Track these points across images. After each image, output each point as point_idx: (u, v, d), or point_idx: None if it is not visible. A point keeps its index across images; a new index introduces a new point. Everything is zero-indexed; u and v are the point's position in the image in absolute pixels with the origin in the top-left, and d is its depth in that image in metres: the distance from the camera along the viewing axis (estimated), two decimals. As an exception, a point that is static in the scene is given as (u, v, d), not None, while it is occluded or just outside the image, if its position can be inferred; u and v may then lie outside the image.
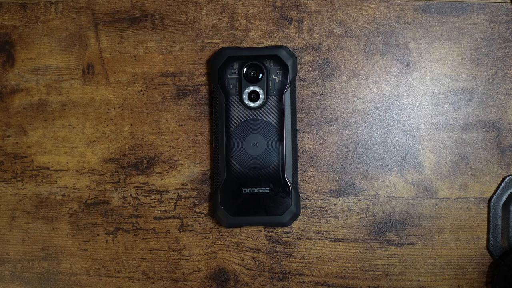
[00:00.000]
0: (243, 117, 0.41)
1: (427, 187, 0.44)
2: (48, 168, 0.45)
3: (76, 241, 0.45)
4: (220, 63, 0.40)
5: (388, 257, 0.45)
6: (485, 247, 0.44)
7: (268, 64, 0.41)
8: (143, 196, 0.45)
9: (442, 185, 0.44)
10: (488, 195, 0.44)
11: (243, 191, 0.41)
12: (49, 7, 0.45)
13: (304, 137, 0.44)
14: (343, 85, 0.44)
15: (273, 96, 0.41)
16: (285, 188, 0.41)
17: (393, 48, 0.44)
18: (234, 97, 0.41)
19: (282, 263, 0.45)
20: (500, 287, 0.43)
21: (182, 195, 0.45)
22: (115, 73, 0.45)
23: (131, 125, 0.45)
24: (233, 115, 0.41)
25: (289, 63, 0.41)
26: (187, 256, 0.45)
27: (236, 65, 0.41)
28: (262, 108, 0.41)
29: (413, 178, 0.44)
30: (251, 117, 0.41)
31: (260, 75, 0.41)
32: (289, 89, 0.41)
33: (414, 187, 0.44)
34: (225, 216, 0.41)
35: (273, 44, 0.44)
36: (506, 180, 0.44)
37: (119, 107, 0.45)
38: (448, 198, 0.44)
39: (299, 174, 0.44)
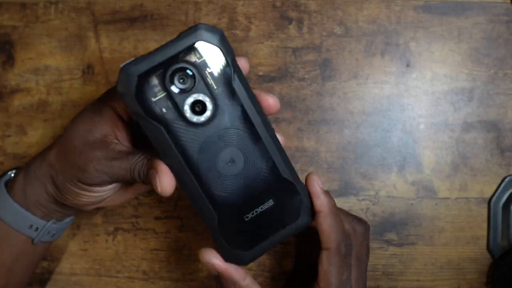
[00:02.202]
0: (199, 140, 0.30)
1: (427, 187, 0.44)
2: (48, 168, 0.45)
3: (76, 241, 0.45)
4: (132, 89, 0.28)
5: (388, 257, 0.45)
6: (485, 247, 0.44)
7: (193, 58, 0.29)
8: (143, 196, 0.45)
9: (442, 185, 0.44)
10: (488, 195, 0.44)
11: (246, 219, 0.32)
12: (49, 7, 0.45)
13: (304, 137, 0.44)
14: (343, 85, 0.44)
15: (222, 94, 0.30)
16: (289, 188, 0.33)
17: (393, 48, 0.44)
18: (175, 121, 0.29)
19: (282, 263, 0.45)
20: (500, 287, 0.43)
21: (182, 195, 0.45)
22: (115, 73, 0.45)
23: (131, 125, 0.45)
24: (185, 145, 0.30)
25: (217, 42, 0.29)
26: (187, 256, 0.45)
27: (154, 82, 0.29)
28: (217, 116, 0.30)
29: (413, 178, 0.44)
30: (210, 133, 0.30)
31: (192, 78, 0.29)
32: (235, 75, 0.30)
33: (414, 187, 0.44)
34: (241, 255, 0.33)
35: (273, 44, 0.44)
36: (506, 180, 0.44)
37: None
38: (448, 198, 0.44)
39: (299, 174, 0.44)
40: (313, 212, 0.33)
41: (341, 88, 0.44)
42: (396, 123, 0.44)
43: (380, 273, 0.45)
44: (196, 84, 0.29)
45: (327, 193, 0.33)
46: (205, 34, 0.29)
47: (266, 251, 0.33)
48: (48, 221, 0.37)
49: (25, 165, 0.37)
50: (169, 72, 0.28)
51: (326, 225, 0.32)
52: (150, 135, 0.30)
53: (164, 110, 0.29)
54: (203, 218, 0.32)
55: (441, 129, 0.44)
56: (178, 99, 0.29)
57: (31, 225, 0.36)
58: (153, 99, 0.29)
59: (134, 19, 0.45)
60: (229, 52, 0.29)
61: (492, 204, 0.44)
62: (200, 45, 0.29)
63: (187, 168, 0.30)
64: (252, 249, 0.33)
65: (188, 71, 0.29)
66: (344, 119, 0.44)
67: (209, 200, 0.31)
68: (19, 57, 0.45)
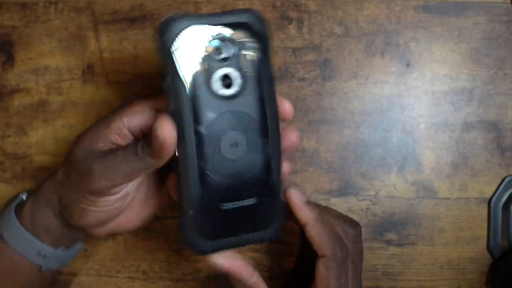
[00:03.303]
0: (215, 111, 0.29)
1: (427, 187, 0.44)
2: (48, 168, 0.45)
3: (76, 241, 0.45)
4: (172, 43, 0.28)
5: (388, 257, 0.45)
6: (485, 247, 0.44)
7: (238, 35, 0.29)
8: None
9: (442, 185, 0.44)
10: (488, 195, 0.44)
11: (222, 207, 0.30)
12: (49, 7, 0.45)
13: (304, 137, 0.44)
14: (343, 85, 0.44)
15: (252, 78, 0.30)
16: (272, 196, 0.32)
17: (393, 48, 0.44)
18: (201, 86, 0.29)
19: (282, 263, 0.45)
20: (500, 287, 0.43)
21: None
22: (115, 73, 0.45)
23: (131, 125, 0.45)
24: (203, 109, 0.29)
25: (264, 32, 0.30)
26: (187, 256, 0.45)
27: (196, 42, 0.29)
28: (240, 96, 0.30)
29: (413, 178, 0.44)
30: (228, 109, 0.29)
31: (230, 52, 0.29)
32: (268, 66, 0.30)
33: (414, 187, 0.44)
34: (202, 242, 0.31)
35: (273, 44, 0.44)
36: (506, 180, 0.44)
37: (119, 107, 0.45)
38: (448, 198, 0.44)
39: (299, 174, 0.44)
40: (281, 228, 0.33)
41: (341, 88, 0.44)
42: (396, 123, 0.44)
43: (380, 273, 0.45)
44: (232, 59, 0.29)
45: (309, 203, 0.33)
46: (256, 19, 0.29)
47: (227, 249, 0.32)
48: (56, 248, 0.36)
49: (35, 188, 0.37)
50: (212, 37, 0.29)
51: (316, 234, 0.32)
52: (172, 91, 0.29)
53: (194, 72, 0.29)
54: (181, 188, 0.30)
55: (441, 129, 0.44)
56: (211, 67, 0.29)
57: (39, 252, 0.35)
58: (188, 59, 0.29)
59: (134, 19, 0.45)
60: (270, 45, 0.30)
61: (492, 204, 0.44)
62: (248, 26, 0.29)
63: (193, 133, 0.29)
64: (215, 240, 0.31)
65: (229, 43, 0.29)
66: (344, 119, 0.44)
67: (198, 172, 0.29)
68: (19, 57, 0.45)
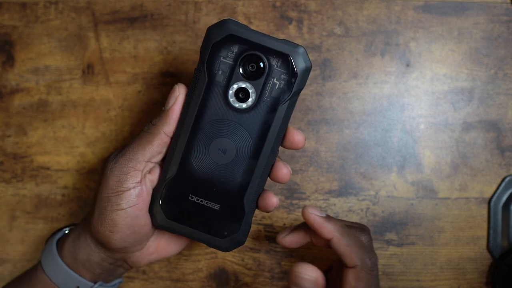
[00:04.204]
0: (221, 115, 0.32)
1: (427, 187, 0.44)
2: (48, 168, 0.45)
3: (76, 241, 0.45)
4: (216, 38, 0.31)
5: (388, 257, 0.45)
6: (485, 247, 0.44)
7: (274, 62, 0.31)
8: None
9: (442, 185, 0.44)
10: (488, 195, 0.44)
11: (189, 198, 0.33)
12: (49, 7, 0.45)
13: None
14: (343, 85, 0.44)
15: (266, 104, 0.32)
16: (238, 212, 0.34)
17: (393, 48, 0.44)
18: (218, 87, 0.32)
19: (282, 263, 0.45)
20: (500, 287, 0.43)
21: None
22: (115, 73, 0.45)
23: (131, 125, 0.45)
24: (209, 107, 0.32)
25: (300, 70, 0.31)
26: (187, 256, 0.45)
27: (235, 48, 0.31)
28: (247, 113, 0.32)
29: (413, 178, 0.44)
30: (230, 119, 0.32)
31: (259, 73, 0.31)
32: (287, 102, 0.32)
33: (414, 187, 0.44)
34: (160, 216, 0.34)
35: None
36: (506, 180, 0.44)
37: (119, 107, 0.45)
38: (448, 198, 0.44)
39: (299, 174, 0.44)
40: (236, 246, 0.35)
41: (341, 88, 0.44)
42: (396, 123, 0.44)
43: (380, 273, 0.45)
44: (257, 80, 0.32)
45: (329, 218, 0.33)
46: (299, 56, 0.31)
47: (177, 233, 0.34)
48: (95, 283, 0.36)
49: (79, 223, 0.37)
50: (250, 53, 0.31)
51: (343, 247, 0.32)
52: (195, 80, 0.32)
53: (220, 72, 0.32)
54: (165, 164, 0.34)
55: (441, 129, 0.44)
56: (235, 76, 0.32)
57: (78, 287, 0.36)
58: (221, 58, 0.31)
59: (134, 19, 0.45)
60: (301, 83, 0.32)
61: (492, 204, 0.44)
62: (288, 59, 0.31)
63: (192, 122, 0.32)
64: (170, 220, 0.34)
65: (261, 65, 0.31)
66: (344, 119, 0.44)
67: (182, 158, 0.33)
68: (19, 57, 0.45)
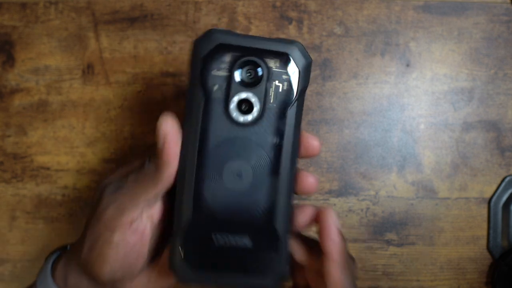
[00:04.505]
0: (227, 134, 0.28)
1: (427, 187, 0.44)
2: (48, 168, 0.45)
3: (76, 241, 0.45)
4: (205, 51, 0.28)
5: (388, 257, 0.45)
6: (485, 247, 0.44)
7: (271, 64, 0.28)
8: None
9: (442, 185, 0.44)
10: (488, 195, 0.44)
11: (214, 239, 0.28)
12: (49, 7, 0.45)
13: (304, 137, 0.44)
14: (343, 85, 0.44)
15: (273, 111, 0.28)
16: (272, 240, 0.29)
17: (393, 48, 0.44)
18: (217, 104, 0.28)
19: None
20: (500, 287, 0.43)
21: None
22: (115, 73, 0.45)
23: (131, 125, 0.45)
24: (212, 128, 0.28)
25: (301, 67, 0.28)
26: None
27: (227, 57, 0.28)
28: (255, 126, 0.28)
29: (413, 178, 0.44)
30: (238, 136, 0.28)
31: (259, 79, 0.28)
32: (295, 104, 0.29)
33: (414, 187, 0.44)
34: (185, 271, 0.29)
35: None
36: (506, 180, 0.44)
37: (119, 107, 0.45)
38: (448, 198, 0.44)
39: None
40: (282, 281, 0.29)
41: (341, 88, 0.44)
42: (396, 123, 0.44)
43: (380, 273, 0.45)
44: (257, 86, 0.28)
45: (341, 235, 0.29)
46: (296, 52, 0.28)
47: (210, 285, 0.29)
48: None
49: (71, 245, 0.36)
50: (244, 59, 0.28)
51: (336, 276, 0.28)
52: (188, 102, 0.28)
53: (215, 87, 0.28)
54: (175, 209, 0.29)
55: (441, 129, 0.44)
56: (233, 87, 0.28)
57: None
58: (214, 72, 0.28)
59: (134, 19, 0.45)
60: (304, 82, 0.29)
61: (492, 204, 0.44)
62: (286, 57, 0.28)
63: (196, 150, 0.28)
64: (200, 271, 0.29)
65: (259, 70, 0.28)
66: (344, 119, 0.44)
67: (194, 196, 0.28)
68: (19, 57, 0.45)
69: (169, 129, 0.27)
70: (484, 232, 0.44)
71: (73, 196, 0.45)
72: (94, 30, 0.45)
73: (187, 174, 0.28)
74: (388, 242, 0.45)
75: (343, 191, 0.44)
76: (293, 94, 0.28)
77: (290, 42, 0.28)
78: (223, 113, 0.28)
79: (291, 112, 0.29)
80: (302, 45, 0.28)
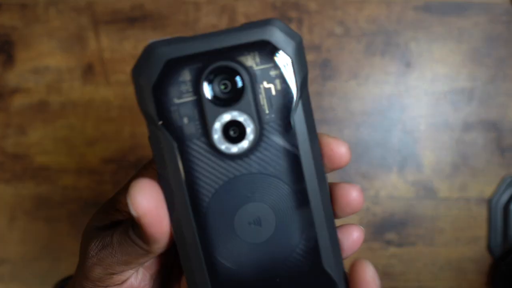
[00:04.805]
0: (223, 176, 0.21)
1: (427, 187, 0.44)
2: (48, 168, 0.45)
3: (76, 241, 0.45)
4: (152, 78, 0.20)
5: (388, 257, 0.45)
6: (485, 247, 0.44)
7: (250, 62, 0.20)
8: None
9: (442, 185, 0.44)
10: (488, 195, 0.44)
11: None
12: (49, 7, 0.45)
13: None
14: (343, 85, 0.44)
15: (273, 124, 0.21)
16: (327, 285, 0.22)
17: (393, 48, 0.44)
18: (196, 141, 0.20)
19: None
20: (500, 287, 0.43)
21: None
22: (115, 73, 0.45)
23: (131, 125, 0.45)
24: (201, 176, 0.20)
25: (291, 51, 0.20)
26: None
27: (186, 77, 0.20)
28: (255, 152, 0.21)
29: (413, 178, 0.44)
30: (238, 173, 0.21)
31: (240, 88, 0.20)
32: (300, 103, 0.21)
33: (414, 187, 0.44)
34: None
35: None
36: (506, 180, 0.44)
37: (119, 107, 0.45)
38: (448, 198, 0.44)
39: None
40: None
41: (341, 88, 0.44)
42: (396, 123, 0.44)
43: (380, 273, 0.45)
44: (241, 99, 0.20)
45: None
46: (278, 34, 0.20)
47: None
48: None
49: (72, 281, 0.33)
50: (210, 69, 0.20)
51: None
52: (157, 153, 0.20)
53: (185, 120, 0.20)
54: (188, 283, 0.22)
55: (441, 129, 0.44)
56: (209, 111, 0.20)
57: None
58: (176, 100, 0.20)
59: (134, 19, 0.45)
60: (302, 69, 0.20)
61: (492, 204, 0.44)
62: (265, 47, 0.20)
63: (191, 212, 0.21)
64: None
65: (237, 77, 0.20)
66: (344, 119, 0.44)
67: (207, 267, 0.21)
68: (19, 57, 0.45)
69: (146, 205, 0.20)
70: (484, 232, 0.44)
71: (73, 196, 0.45)
72: (94, 30, 0.45)
73: (189, 245, 0.21)
74: (388, 242, 0.45)
75: (343, 191, 0.45)
76: (292, 91, 0.20)
77: (264, 22, 0.20)
78: (208, 151, 0.20)
79: (297, 117, 0.21)
80: (281, 22, 0.20)
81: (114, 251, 0.23)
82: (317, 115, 0.44)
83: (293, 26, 0.44)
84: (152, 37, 0.45)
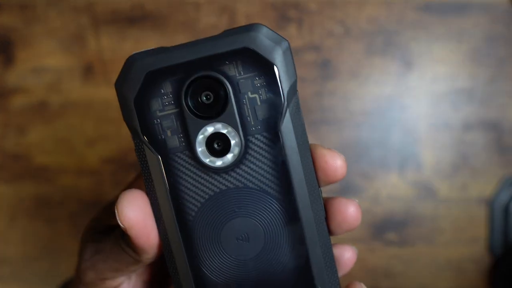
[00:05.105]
0: (208, 190, 0.20)
1: (427, 187, 0.44)
2: (48, 168, 0.45)
3: (76, 241, 0.45)
4: (134, 91, 0.20)
5: (388, 257, 0.45)
6: (485, 247, 0.44)
7: (233, 72, 0.19)
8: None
9: (442, 185, 0.44)
10: (488, 195, 0.44)
11: None
12: (49, 8, 0.45)
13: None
14: (343, 85, 0.44)
15: (260, 135, 0.20)
16: None
17: (393, 48, 0.44)
18: (179, 154, 0.20)
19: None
20: (500, 287, 0.43)
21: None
22: (115, 73, 0.45)
23: (131, 125, 0.45)
24: (185, 190, 0.20)
25: (276, 57, 0.19)
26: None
27: (167, 88, 0.20)
28: (241, 165, 0.20)
29: (413, 178, 0.44)
30: (223, 187, 0.20)
31: (223, 99, 0.20)
32: (287, 112, 0.20)
33: (414, 187, 0.44)
34: None
35: None
36: (506, 180, 0.44)
37: (119, 107, 0.45)
38: (448, 198, 0.44)
39: None
40: None
41: (341, 88, 0.44)
42: (396, 123, 0.44)
43: (380, 273, 0.45)
44: (225, 110, 0.19)
45: None
46: (261, 40, 0.19)
47: None
48: None
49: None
50: (190, 80, 0.19)
51: None
52: (142, 166, 0.20)
53: (168, 133, 0.20)
54: None
55: (441, 129, 0.44)
56: (192, 124, 0.20)
57: None
58: (158, 113, 0.20)
59: (134, 19, 0.45)
60: (289, 76, 0.20)
61: (492, 204, 0.44)
62: (248, 55, 0.19)
63: (176, 225, 0.20)
64: None
65: (219, 88, 0.19)
66: (344, 119, 0.44)
67: (194, 280, 0.21)
68: (19, 57, 0.45)
69: (133, 218, 0.20)
70: (484, 232, 0.44)
71: (73, 196, 0.45)
72: (94, 30, 0.45)
73: (176, 258, 0.21)
74: (388, 242, 0.45)
75: (343, 191, 0.44)
76: (279, 100, 0.19)
77: (246, 28, 0.19)
78: (192, 164, 0.20)
79: (285, 128, 0.20)
80: (265, 27, 0.19)
81: (106, 257, 0.23)
82: (317, 115, 0.44)
83: (293, 26, 0.44)
84: (152, 37, 0.45)
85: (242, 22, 0.44)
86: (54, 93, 0.45)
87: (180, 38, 0.44)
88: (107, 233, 0.24)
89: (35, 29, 0.45)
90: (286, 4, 0.44)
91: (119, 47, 0.45)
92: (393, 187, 0.44)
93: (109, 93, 0.45)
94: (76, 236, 0.45)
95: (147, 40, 0.45)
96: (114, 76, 0.45)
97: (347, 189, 0.44)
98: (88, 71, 0.45)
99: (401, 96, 0.44)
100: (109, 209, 0.26)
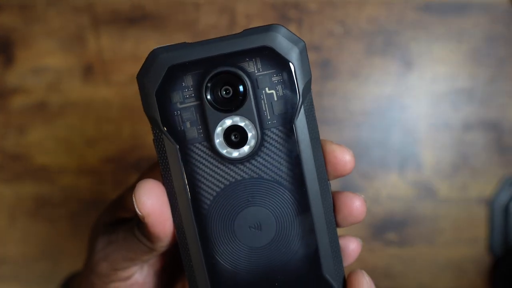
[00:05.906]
0: (223, 180, 0.21)
1: (427, 187, 0.44)
2: (48, 168, 0.45)
3: (77, 241, 0.45)
4: (156, 84, 0.21)
5: (388, 257, 0.45)
6: (485, 247, 0.44)
7: (252, 68, 0.21)
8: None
9: (442, 185, 0.44)
10: (488, 195, 0.44)
11: None
12: (49, 7, 0.45)
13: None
14: (343, 85, 0.44)
15: (275, 129, 0.21)
16: None
17: (393, 48, 0.44)
18: (197, 145, 0.21)
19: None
20: (500, 287, 0.43)
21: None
22: (115, 73, 0.45)
23: (131, 125, 0.45)
24: (202, 179, 0.21)
25: (294, 57, 0.21)
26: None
27: (189, 82, 0.21)
28: (256, 157, 0.21)
29: (413, 178, 0.44)
30: (239, 177, 0.21)
31: (242, 94, 0.21)
32: (302, 109, 0.21)
33: (414, 187, 0.44)
34: None
35: None
36: (506, 180, 0.44)
37: (119, 107, 0.45)
38: (448, 198, 0.44)
39: None
40: None
41: (341, 88, 0.44)
42: (396, 123, 0.44)
43: (380, 273, 0.45)
44: (243, 104, 0.21)
45: None
46: (280, 40, 0.20)
47: None
48: None
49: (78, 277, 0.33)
50: (212, 75, 0.20)
51: None
52: (160, 155, 0.21)
53: (188, 124, 0.21)
54: (190, 285, 0.22)
55: (441, 129, 0.44)
56: (211, 116, 0.21)
57: None
58: (179, 105, 0.21)
59: (134, 19, 0.45)
60: (304, 74, 0.21)
61: (492, 204, 0.44)
62: (267, 53, 0.20)
63: (192, 214, 0.21)
64: None
65: (239, 83, 0.21)
66: (344, 119, 0.44)
67: (207, 267, 0.22)
68: (19, 57, 0.45)
69: (151, 206, 0.21)
70: (484, 232, 0.44)
71: (73, 196, 0.45)
72: (94, 30, 0.45)
73: (190, 246, 0.22)
74: (388, 242, 0.45)
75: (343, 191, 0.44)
76: (294, 97, 0.21)
77: (266, 28, 0.20)
78: (209, 155, 0.21)
79: (300, 123, 0.21)
80: (284, 27, 0.21)
81: (119, 247, 0.24)
82: (317, 115, 0.44)
83: (293, 26, 0.44)
84: (152, 37, 0.45)
85: (242, 22, 0.44)
86: (54, 93, 0.45)
87: (180, 38, 0.44)
88: (118, 225, 0.25)
89: (35, 29, 0.45)
90: (286, 4, 0.44)
91: (119, 47, 0.45)
92: (393, 187, 0.44)
93: (109, 93, 0.45)
94: (76, 236, 0.45)
95: (147, 40, 0.45)
96: (114, 76, 0.45)
97: (347, 188, 0.44)
98: (88, 71, 0.45)
99: (401, 96, 0.44)
100: (119, 202, 0.26)
